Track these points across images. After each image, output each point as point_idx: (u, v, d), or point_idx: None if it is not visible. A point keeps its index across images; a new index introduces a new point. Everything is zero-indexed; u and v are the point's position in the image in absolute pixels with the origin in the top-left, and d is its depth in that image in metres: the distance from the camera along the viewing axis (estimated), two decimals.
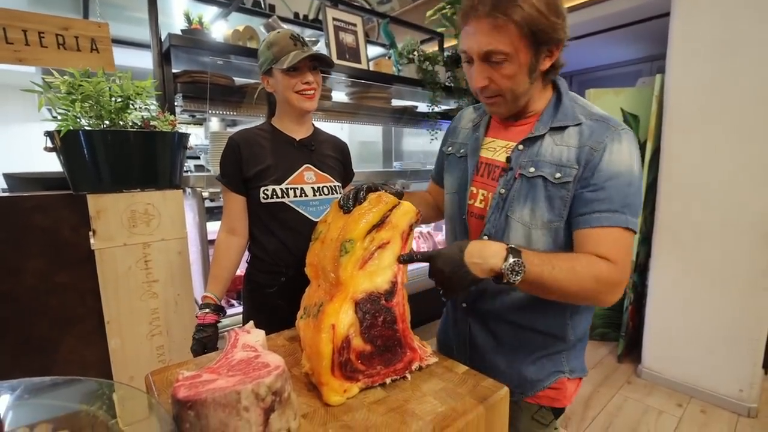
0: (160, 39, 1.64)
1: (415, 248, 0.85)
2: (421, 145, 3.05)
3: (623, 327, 2.64)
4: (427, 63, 2.48)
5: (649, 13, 2.73)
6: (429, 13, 2.61)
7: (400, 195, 0.88)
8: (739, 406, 2.12)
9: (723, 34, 2.03)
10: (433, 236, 2.82)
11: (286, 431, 0.58)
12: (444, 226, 3.09)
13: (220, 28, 2.18)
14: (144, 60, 1.84)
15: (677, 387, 2.34)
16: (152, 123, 1.39)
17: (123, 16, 2.45)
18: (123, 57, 1.63)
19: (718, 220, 2.12)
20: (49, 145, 1.30)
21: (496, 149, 0.93)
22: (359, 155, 3.64)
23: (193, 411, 0.53)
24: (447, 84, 2.60)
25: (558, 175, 0.82)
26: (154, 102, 1.47)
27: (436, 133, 2.61)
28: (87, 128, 1.27)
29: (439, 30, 2.95)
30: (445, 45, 3.05)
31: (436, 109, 2.52)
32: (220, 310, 1.16)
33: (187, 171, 1.87)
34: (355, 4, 2.74)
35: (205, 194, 1.64)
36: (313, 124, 1.29)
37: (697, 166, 2.17)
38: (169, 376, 0.79)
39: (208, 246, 1.65)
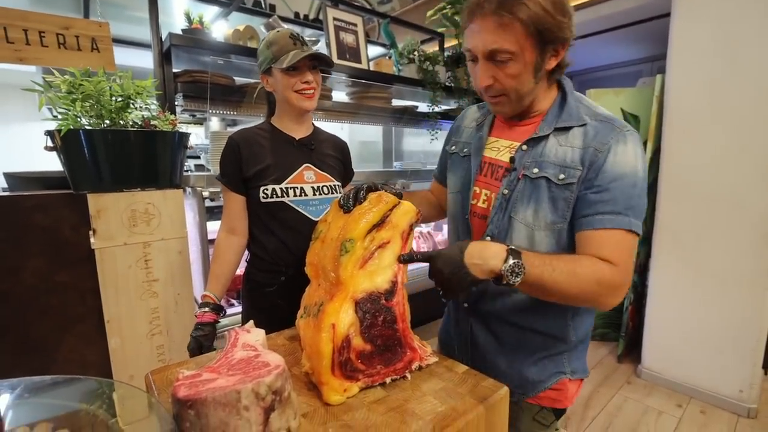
0: (161, 38, 1.64)
1: (415, 248, 0.85)
2: (422, 145, 3.05)
3: (623, 327, 2.64)
4: (428, 63, 2.48)
5: (649, 14, 2.73)
6: (429, 13, 2.61)
7: (399, 196, 0.88)
8: (739, 406, 2.12)
9: (723, 34, 2.03)
10: (433, 236, 2.82)
11: (286, 430, 0.58)
12: (446, 226, 3.09)
13: (221, 27, 2.18)
14: (144, 59, 1.84)
15: (677, 387, 2.34)
16: (153, 122, 1.39)
17: (124, 16, 2.45)
18: (123, 56, 1.63)
19: (718, 220, 2.12)
20: (50, 144, 1.30)
21: (500, 149, 0.92)
22: (359, 155, 3.64)
23: (193, 410, 0.53)
24: (447, 84, 2.60)
25: (562, 176, 0.81)
26: (155, 101, 1.47)
27: (437, 133, 2.61)
28: (87, 127, 1.28)
29: (439, 30, 2.95)
30: (446, 45, 3.05)
31: (437, 109, 2.52)
32: (219, 310, 1.15)
33: (187, 170, 1.87)
34: (356, 4, 2.74)
35: (206, 194, 1.64)
36: (312, 124, 1.29)
37: (697, 166, 2.17)
38: (169, 376, 0.79)
39: (209, 245, 1.65)
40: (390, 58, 2.64)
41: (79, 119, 1.27)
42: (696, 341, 2.26)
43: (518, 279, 0.71)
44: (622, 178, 0.77)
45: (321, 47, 2.32)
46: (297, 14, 2.70)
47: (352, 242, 0.76)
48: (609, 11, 2.78)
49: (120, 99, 1.31)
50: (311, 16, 2.86)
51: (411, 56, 2.49)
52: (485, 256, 0.72)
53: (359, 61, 2.26)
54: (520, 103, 0.85)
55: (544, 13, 0.74)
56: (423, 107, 2.63)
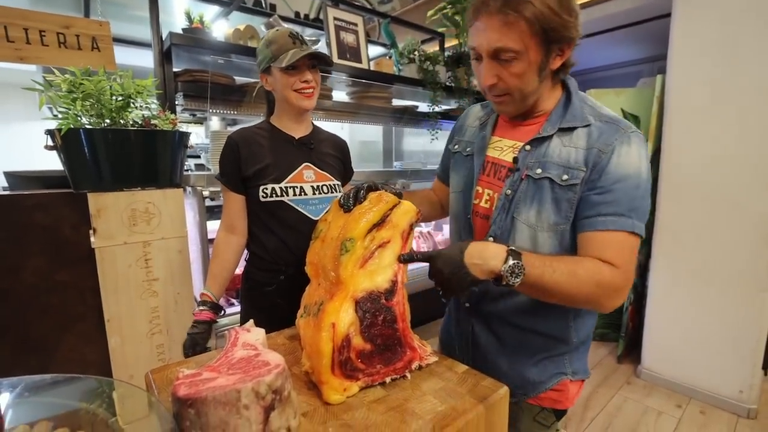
0: (161, 38, 1.64)
1: (415, 248, 0.85)
2: (422, 145, 3.05)
3: (623, 327, 2.64)
4: (428, 63, 2.48)
5: (650, 14, 2.73)
6: (430, 13, 2.61)
7: (399, 196, 0.87)
8: (739, 407, 2.12)
9: (724, 34, 2.03)
10: (433, 236, 2.82)
11: (286, 430, 0.58)
12: (446, 226, 3.09)
13: (221, 27, 2.18)
14: (145, 59, 1.84)
15: (677, 388, 2.34)
16: (153, 122, 1.39)
17: (124, 15, 2.45)
18: (124, 56, 1.63)
19: (718, 221, 2.12)
20: (50, 143, 1.30)
21: (503, 149, 0.91)
22: (360, 155, 3.63)
23: (193, 409, 0.53)
24: (448, 84, 2.60)
25: (565, 177, 0.80)
26: (155, 101, 1.47)
27: (437, 132, 2.61)
28: (88, 127, 1.28)
29: (440, 30, 2.95)
30: (446, 45, 3.05)
31: (437, 109, 2.52)
32: (217, 309, 1.16)
33: (187, 170, 1.87)
34: (356, 3, 2.74)
35: (206, 193, 1.64)
36: (312, 123, 1.29)
37: (697, 167, 2.17)
38: (169, 375, 0.79)
39: (208, 245, 1.65)
40: (390, 57, 2.64)
41: (79, 118, 1.27)
42: (696, 342, 2.26)
43: (518, 280, 0.71)
44: (626, 179, 0.76)
45: (321, 47, 2.32)
46: (297, 14, 2.70)
47: (352, 241, 0.76)
48: (609, 11, 2.78)
49: (120, 98, 1.31)
50: (312, 16, 2.86)
51: (411, 56, 2.50)
52: (485, 256, 0.72)
53: (359, 61, 2.26)
54: (524, 103, 0.85)
55: (550, 11, 0.73)
56: (423, 107, 2.63)
